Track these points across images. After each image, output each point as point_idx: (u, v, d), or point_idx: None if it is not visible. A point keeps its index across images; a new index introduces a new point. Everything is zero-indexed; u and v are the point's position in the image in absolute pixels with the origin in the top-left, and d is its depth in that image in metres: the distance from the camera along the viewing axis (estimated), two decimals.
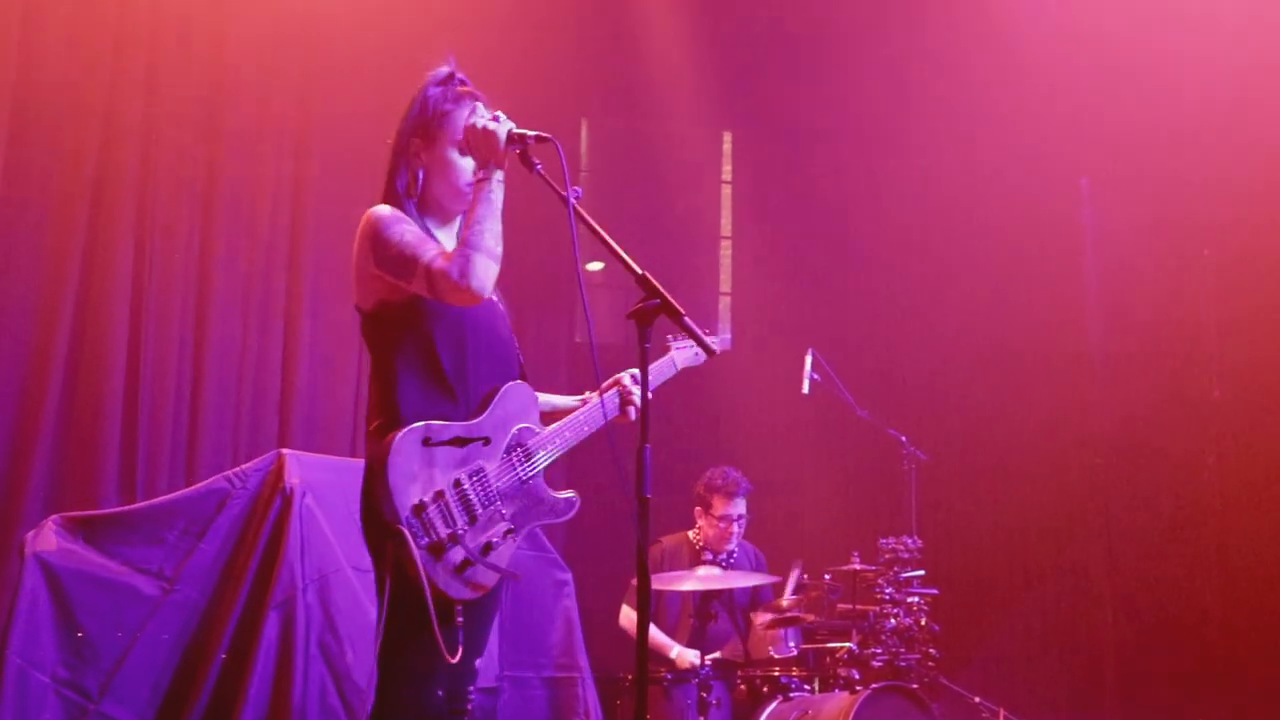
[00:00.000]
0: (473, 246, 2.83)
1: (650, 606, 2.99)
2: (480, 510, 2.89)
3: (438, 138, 3.04)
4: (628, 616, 5.84)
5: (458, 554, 2.82)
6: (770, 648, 5.78)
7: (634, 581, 5.72)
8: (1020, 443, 7.62)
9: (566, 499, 3.14)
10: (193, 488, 4.62)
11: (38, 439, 5.19)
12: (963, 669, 7.04)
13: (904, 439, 6.42)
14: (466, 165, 3.05)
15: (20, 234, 5.31)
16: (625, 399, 3.30)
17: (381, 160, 3.11)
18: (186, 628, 4.27)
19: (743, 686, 5.54)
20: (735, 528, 5.87)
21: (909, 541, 5.73)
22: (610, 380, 3.34)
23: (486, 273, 2.83)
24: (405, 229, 2.90)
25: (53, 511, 4.46)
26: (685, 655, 5.59)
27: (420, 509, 2.78)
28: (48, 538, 4.16)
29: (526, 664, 4.98)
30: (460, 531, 2.83)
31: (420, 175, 3.04)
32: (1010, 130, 7.46)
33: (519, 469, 3.02)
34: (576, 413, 3.24)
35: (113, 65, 5.58)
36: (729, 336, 8.35)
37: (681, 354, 3.60)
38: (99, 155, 5.51)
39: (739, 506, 5.88)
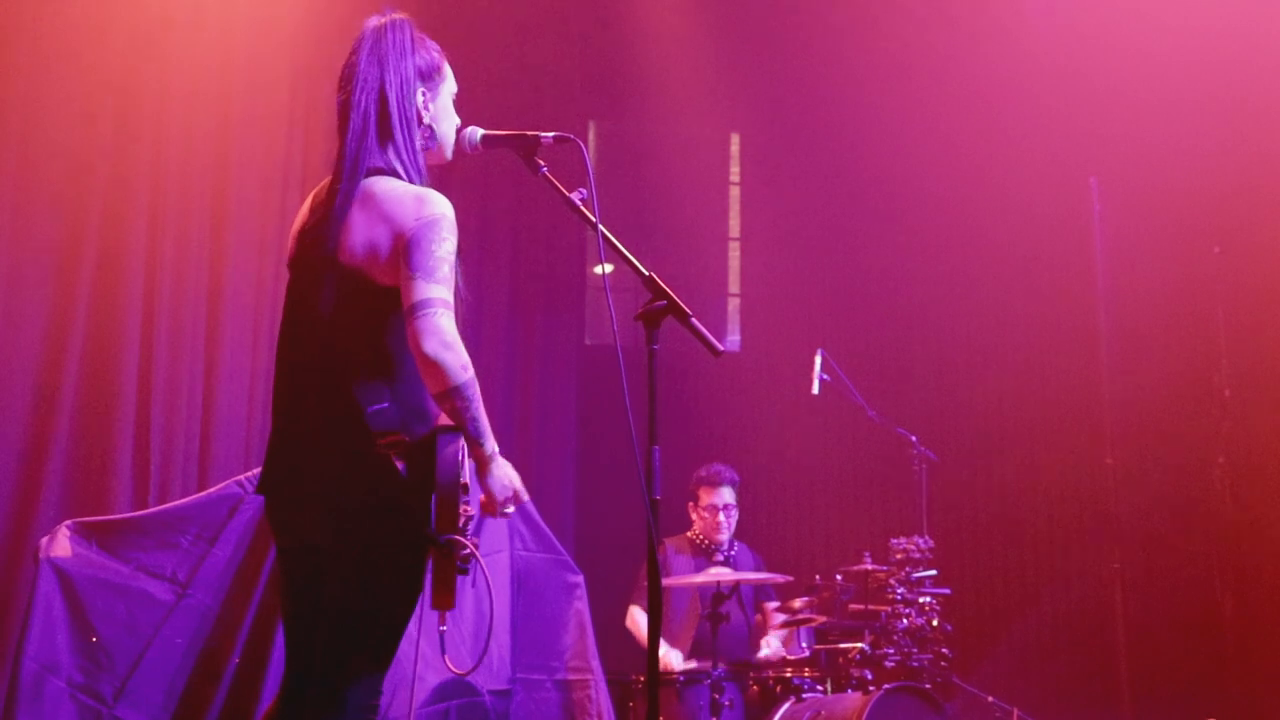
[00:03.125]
0: (472, 373, 2.67)
1: (660, 607, 2.99)
2: (474, 516, 2.81)
3: (440, 87, 2.99)
4: (633, 618, 5.85)
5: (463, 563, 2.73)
6: (783, 648, 5.81)
7: (643, 583, 5.76)
8: (1031, 442, 7.61)
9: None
10: (205, 493, 4.64)
11: (51, 445, 5.20)
12: (975, 668, 7.03)
13: (914, 439, 6.42)
14: (455, 116, 3.03)
15: (33, 242, 5.33)
16: None
17: None
18: (200, 632, 4.29)
19: (755, 687, 5.54)
20: (722, 516, 5.99)
21: (920, 541, 5.73)
22: None
23: (446, 370, 2.62)
24: (453, 250, 2.72)
25: (66, 517, 4.48)
26: (668, 658, 5.59)
27: (469, 522, 2.67)
28: (61, 543, 4.18)
29: (539, 666, 4.99)
30: (474, 541, 2.74)
31: (431, 128, 2.95)
32: (1019, 130, 7.45)
33: (469, 465, 2.90)
34: None
35: (123, 72, 5.60)
36: (738, 338, 8.36)
37: None
38: (112, 158, 5.52)
39: (724, 496, 5.99)
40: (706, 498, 6.00)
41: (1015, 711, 5.97)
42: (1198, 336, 6.87)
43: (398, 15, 2.96)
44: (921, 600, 5.60)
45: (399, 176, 2.82)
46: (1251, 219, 6.71)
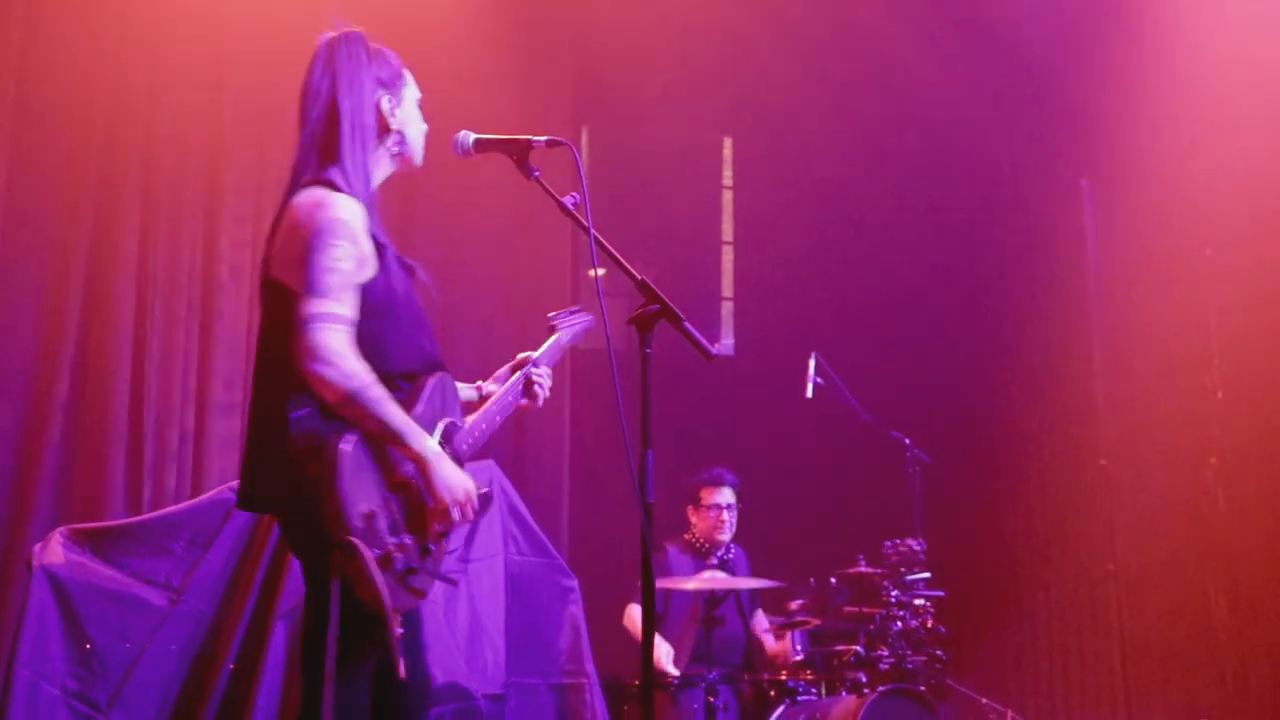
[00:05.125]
0: (364, 380, 2.67)
1: (655, 610, 2.99)
2: (418, 513, 2.78)
3: (403, 92, 3.04)
4: (631, 616, 5.85)
5: (401, 561, 2.68)
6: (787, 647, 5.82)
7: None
8: (1024, 444, 7.62)
9: (484, 494, 2.99)
10: (198, 499, 4.63)
11: (44, 452, 5.20)
12: (969, 671, 7.04)
13: (908, 441, 6.42)
14: (422, 121, 3.08)
15: (24, 246, 5.33)
16: (529, 384, 3.22)
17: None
18: (194, 638, 4.28)
19: (749, 691, 5.55)
20: (726, 516, 5.98)
21: (914, 544, 5.74)
22: (513, 364, 3.28)
23: (329, 383, 2.65)
24: (350, 254, 2.75)
25: (59, 524, 4.48)
26: (659, 652, 5.59)
27: (371, 517, 2.62)
28: (55, 550, 4.17)
29: (533, 670, 4.99)
30: (406, 539, 2.71)
31: (400, 133, 3.01)
32: (1011, 132, 7.47)
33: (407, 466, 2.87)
34: (489, 405, 3.16)
35: (114, 74, 5.59)
36: (731, 342, 8.36)
37: (568, 331, 3.45)
38: (100, 165, 5.52)
39: (726, 496, 6.01)
40: (709, 498, 6.01)
41: (1009, 713, 5.98)
42: (1190, 338, 6.88)
43: (350, 29, 2.99)
44: (916, 602, 5.61)
45: (338, 187, 2.84)
46: (1244, 221, 6.72)
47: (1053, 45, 7.28)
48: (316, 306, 2.68)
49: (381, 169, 3.01)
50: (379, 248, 2.86)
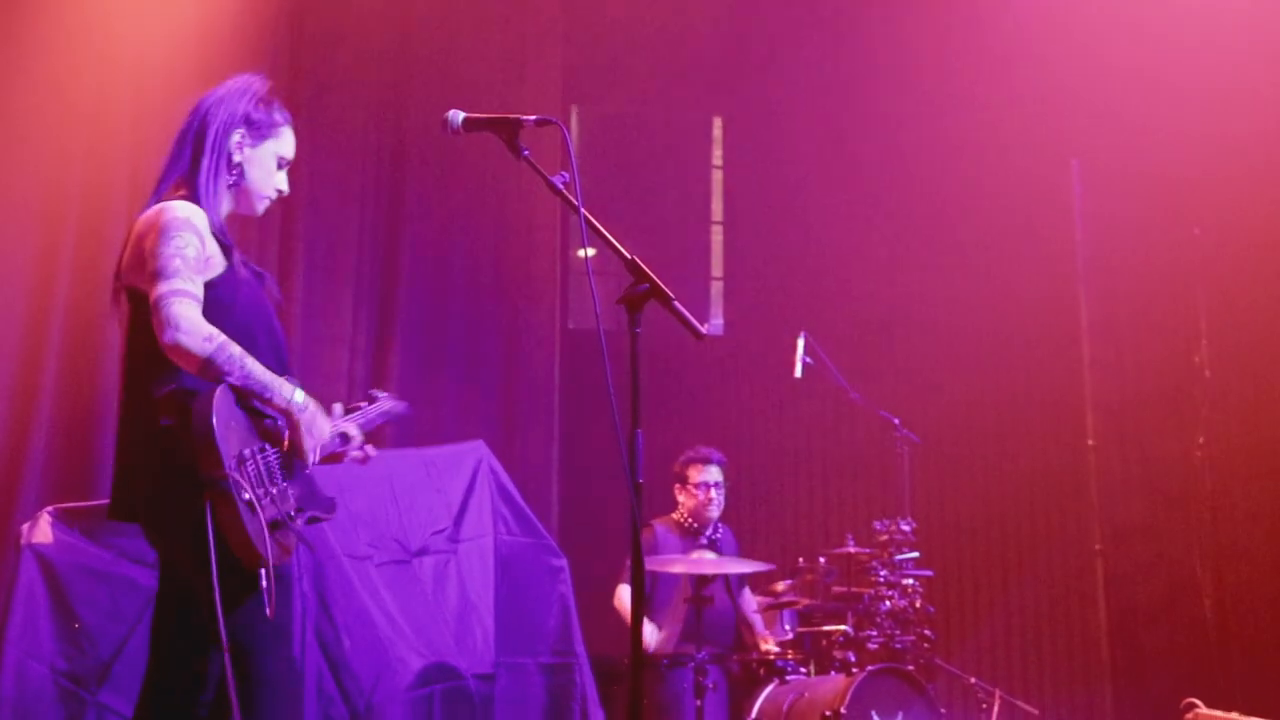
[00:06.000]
0: (220, 340, 2.81)
1: (645, 588, 2.99)
2: (280, 480, 2.92)
3: (265, 141, 3.14)
4: (620, 598, 5.86)
5: (270, 512, 2.83)
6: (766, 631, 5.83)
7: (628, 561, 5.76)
8: (1013, 424, 7.64)
9: (330, 498, 3.16)
10: None
11: (32, 430, 5.16)
12: (958, 650, 7.08)
13: (897, 421, 6.43)
14: (280, 178, 3.19)
15: (12, 221, 5.29)
16: (344, 435, 3.27)
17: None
18: None
19: (739, 670, 5.56)
20: (714, 493, 5.98)
21: (903, 524, 5.75)
22: (349, 417, 3.36)
23: (188, 349, 2.78)
24: (190, 242, 2.88)
25: (48, 503, 4.46)
26: (645, 633, 5.61)
27: (242, 461, 2.78)
28: (43, 529, 4.16)
29: (523, 650, 5.00)
30: (274, 490, 2.87)
31: (240, 168, 3.10)
32: (1001, 112, 7.46)
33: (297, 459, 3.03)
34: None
35: (99, 66, 5.56)
36: (721, 321, 8.36)
37: (388, 404, 3.49)
38: (91, 135, 5.49)
39: (714, 474, 6.01)
40: (697, 475, 6.01)
41: (997, 692, 6.00)
42: (1178, 318, 6.91)
43: (260, 75, 3.21)
44: (904, 582, 5.62)
45: (193, 199, 2.99)
46: (1231, 201, 6.74)
47: (1041, 23, 7.27)
48: (166, 286, 2.82)
49: (224, 197, 3.12)
50: (225, 249, 3.00)
